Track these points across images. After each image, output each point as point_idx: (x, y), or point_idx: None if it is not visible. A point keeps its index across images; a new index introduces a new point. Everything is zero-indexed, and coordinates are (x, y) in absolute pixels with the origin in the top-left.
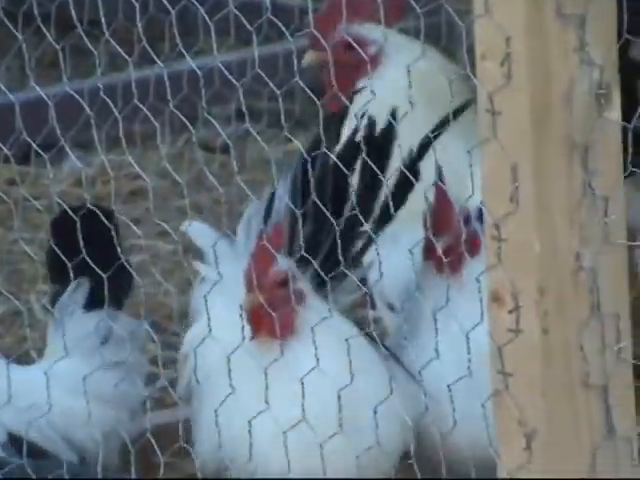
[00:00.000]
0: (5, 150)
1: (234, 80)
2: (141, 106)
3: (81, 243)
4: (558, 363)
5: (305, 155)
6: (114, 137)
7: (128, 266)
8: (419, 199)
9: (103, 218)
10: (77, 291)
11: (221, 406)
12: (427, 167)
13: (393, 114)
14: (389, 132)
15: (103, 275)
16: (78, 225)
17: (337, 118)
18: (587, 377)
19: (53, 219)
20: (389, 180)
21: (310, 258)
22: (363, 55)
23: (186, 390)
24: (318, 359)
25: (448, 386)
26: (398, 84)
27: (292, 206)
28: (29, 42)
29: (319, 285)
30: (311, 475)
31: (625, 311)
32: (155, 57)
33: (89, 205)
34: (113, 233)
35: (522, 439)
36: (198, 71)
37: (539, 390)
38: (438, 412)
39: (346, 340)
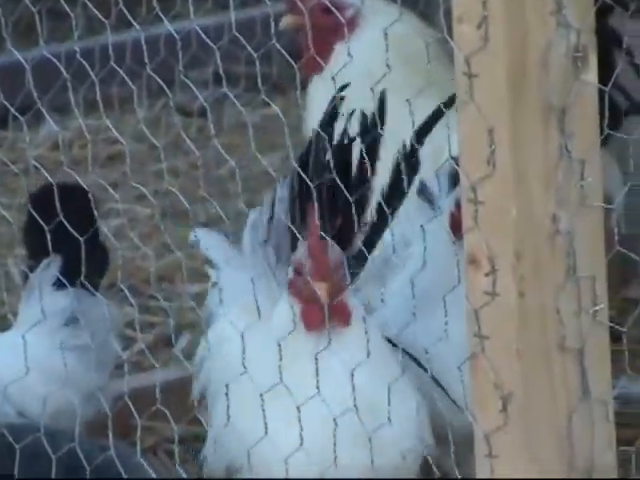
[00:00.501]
0: None
1: (211, 44)
2: (118, 69)
3: (57, 220)
4: (534, 326)
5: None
6: (91, 101)
7: (104, 247)
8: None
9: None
10: (49, 268)
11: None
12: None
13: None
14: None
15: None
16: (57, 203)
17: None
18: (563, 340)
19: (31, 195)
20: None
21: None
22: (340, 18)
23: (200, 392)
24: (368, 352)
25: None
26: (375, 47)
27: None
28: (5, 6)
29: None
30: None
31: (601, 274)
32: (132, 20)
33: (66, 183)
34: (93, 213)
35: (498, 401)
36: (175, 35)
37: (515, 353)
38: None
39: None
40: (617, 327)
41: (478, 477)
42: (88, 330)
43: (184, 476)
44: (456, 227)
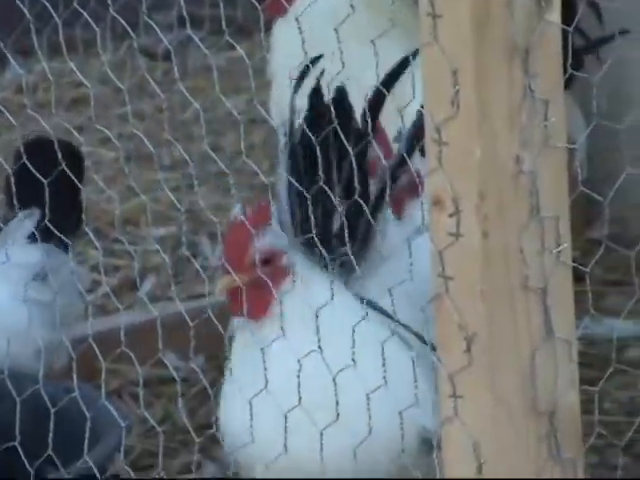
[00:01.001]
0: None
1: None
2: (82, 11)
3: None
4: (498, 266)
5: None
6: (55, 44)
7: (82, 207)
8: None
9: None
10: (25, 220)
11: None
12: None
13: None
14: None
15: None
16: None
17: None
18: (526, 280)
19: (24, 144)
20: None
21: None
22: None
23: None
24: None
25: None
26: None
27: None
28: None
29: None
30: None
31: (565, 214)
32: None
33: (58, 139)
34: (82, 172)
35: (462, 342)
36: None
37: (479, 293)
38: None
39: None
40: (581, 267)
41: (442, 416)
42: (55, 287)
43: (148, 417)
44: (398, 204)
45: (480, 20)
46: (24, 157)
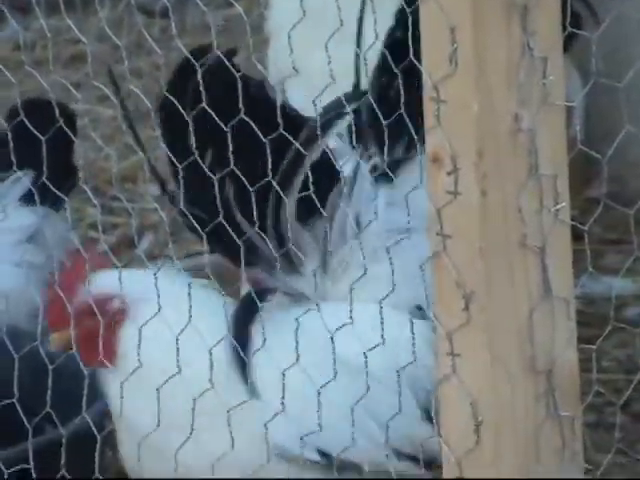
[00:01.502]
0: None
1: None
2: None
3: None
4: (496, 224)
5: None
6: (53, 1)
7: (75, 168)
8: None
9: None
10: (18, 182)
11: None
12: None
13: None
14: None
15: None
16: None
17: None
18: (525, 238)
19: (22, 103)
20: None
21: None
22: None
23: None
24: None
25: None
26: None
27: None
28: None
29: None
30: None
31: (563, 172)
32: None
33: (52, 100)
34: (70, 133)
35: (461, 300)
36: None
37: (477, 251)
38: None
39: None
40: (579, 225)
41: (439, 374)
42: (47, 249)
43: None
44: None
45: None
46: (21, 115)
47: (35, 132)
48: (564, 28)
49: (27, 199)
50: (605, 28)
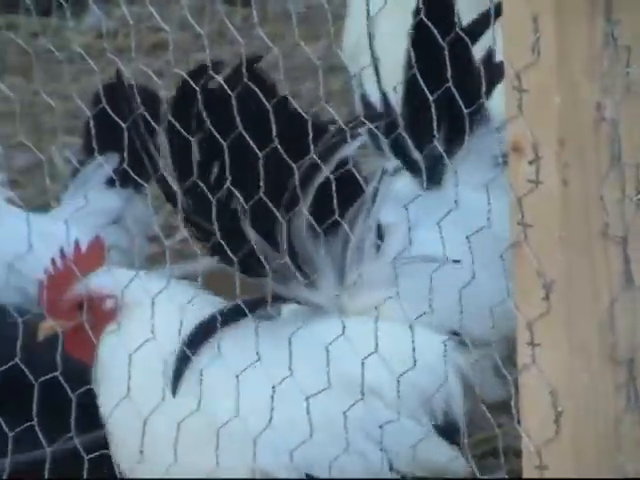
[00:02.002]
0: (27, 1)
1: None
2: None
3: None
4: (577, 214)
5: None
6: None
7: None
8: None
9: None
10: (103, 165)
11: None
12: None
13: None
14: None
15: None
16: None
17: None
18: (606, 228)
19: (104, 87)
20: None
21: None
22: None
23: None
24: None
25: None
26: None
27: None
28: None
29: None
30: None
31: None
32: None
33: (136, 83)
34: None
35: (541, 290)
36: None
37: (558, 241)
38: None
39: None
40: None
41: (519, 364)
42: (130, 232)
43: None
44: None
45: None
46: (103, 101)
47: (117, 116)
48: None
49: (112, 182)
50: None
